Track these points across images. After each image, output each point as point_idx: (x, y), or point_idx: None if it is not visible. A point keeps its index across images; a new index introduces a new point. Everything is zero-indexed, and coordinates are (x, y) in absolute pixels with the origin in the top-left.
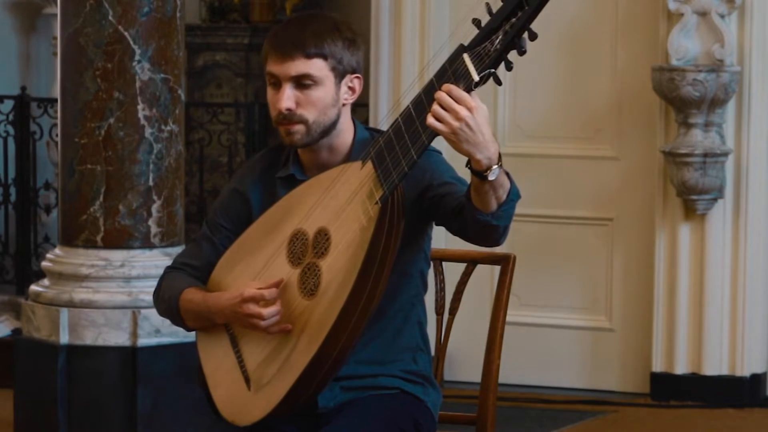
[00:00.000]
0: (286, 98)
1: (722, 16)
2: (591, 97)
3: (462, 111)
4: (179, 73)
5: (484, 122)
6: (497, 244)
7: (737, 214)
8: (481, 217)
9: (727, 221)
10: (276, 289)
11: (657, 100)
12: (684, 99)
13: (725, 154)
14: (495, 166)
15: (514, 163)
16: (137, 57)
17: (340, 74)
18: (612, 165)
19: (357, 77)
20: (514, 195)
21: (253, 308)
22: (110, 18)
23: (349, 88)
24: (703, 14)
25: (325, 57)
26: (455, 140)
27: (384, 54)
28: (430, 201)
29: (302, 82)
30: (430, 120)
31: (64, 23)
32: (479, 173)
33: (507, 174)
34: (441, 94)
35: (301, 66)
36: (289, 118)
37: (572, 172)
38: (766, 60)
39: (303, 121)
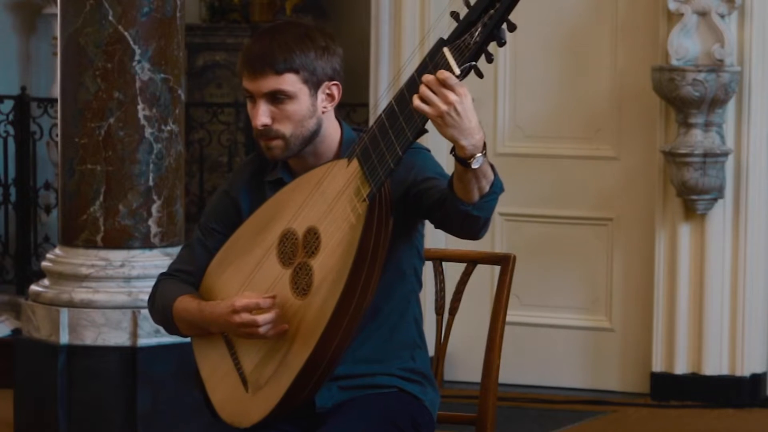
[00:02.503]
0: (261, 114)
1: (722, 16)
2: (591, 97)
3: (450, 95)
4: (179, 73)
5: (471, 108)
6: (477, 237)
7: (737, 214)
8: (462, 206)
9: (727, 221)
10: (272, 299)
11: (657, 100)
12: (684, 99)
13: (725, 154)
14: (479, 155)
15: (515, 163)
16: (137, 57)
17: (314, 85)
18: (612, 165)
19: (335, 84)
20: (496, 187)
21: (245, 317)
22: (110, 18)
23: (327, 95)
24: (703, 14)
25: (296, 71)
26: (441, 124)
27: (384, 54)
28: (414, 196)
29: (276, 97)
30: (417, 102)
31: (64, 23)
32: (463, 160)
33: (492, 167)
34: (429, 77)
35: (272, 82)
36: (266, 133)
37: (572, 172)
38: (766, 60)
39: (280, 136)
